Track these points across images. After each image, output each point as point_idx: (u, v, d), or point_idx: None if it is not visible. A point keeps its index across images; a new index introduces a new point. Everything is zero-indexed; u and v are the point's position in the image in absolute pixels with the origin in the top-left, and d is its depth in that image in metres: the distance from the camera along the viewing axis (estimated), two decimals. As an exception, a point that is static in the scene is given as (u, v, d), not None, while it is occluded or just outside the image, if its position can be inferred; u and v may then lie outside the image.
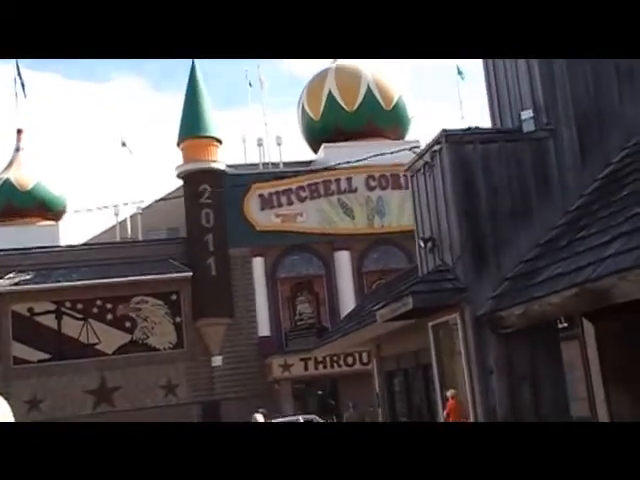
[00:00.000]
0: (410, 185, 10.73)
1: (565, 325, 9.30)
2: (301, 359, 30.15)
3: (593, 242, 7.68)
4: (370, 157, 25.41)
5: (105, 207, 30.43)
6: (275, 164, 33.22)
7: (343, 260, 32.51)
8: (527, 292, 8.43)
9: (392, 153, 21.90)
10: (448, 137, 9.52)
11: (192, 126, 31.83)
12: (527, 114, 9.52)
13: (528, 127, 9.58)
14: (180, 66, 79.30)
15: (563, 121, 9.82)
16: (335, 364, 30.23)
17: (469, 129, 9.62)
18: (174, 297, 31.38)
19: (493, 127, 10.24)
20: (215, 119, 32.56)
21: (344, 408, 27.86)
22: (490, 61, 9.42)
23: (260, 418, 14.36)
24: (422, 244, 10.00)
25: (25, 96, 31.98)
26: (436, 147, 9.69)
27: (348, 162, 27.25)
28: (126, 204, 33.50)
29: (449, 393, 11.93)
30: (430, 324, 10.20)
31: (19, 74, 32.75)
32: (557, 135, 9.79)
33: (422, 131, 49.92)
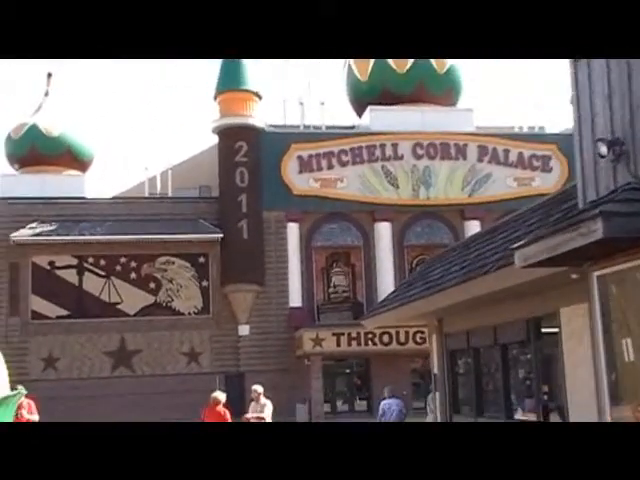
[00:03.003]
0: (573, 72, 6.88)
1: None
2: (333, 334, 26.22)
3: None
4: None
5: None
6: (317, 127, 29.39)
7: (384, 232, 28.21)
8: None
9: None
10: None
11: (231, 78, 28.00)
12: None
13: None
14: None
15: None
16: (370, 341, 26.07)
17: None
18: (202, 259, 27.57)
19: None
20: (255, 74, 28.73)
21: (377, 390, 24.17)
22: None
23: (260, 389, 11.97)
24: (603, 150, 6.10)
25: None
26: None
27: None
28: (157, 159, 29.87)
29: None
30: (596, 274, 6.39)
31: None
32: None
33: (476, 100, 45.03)
